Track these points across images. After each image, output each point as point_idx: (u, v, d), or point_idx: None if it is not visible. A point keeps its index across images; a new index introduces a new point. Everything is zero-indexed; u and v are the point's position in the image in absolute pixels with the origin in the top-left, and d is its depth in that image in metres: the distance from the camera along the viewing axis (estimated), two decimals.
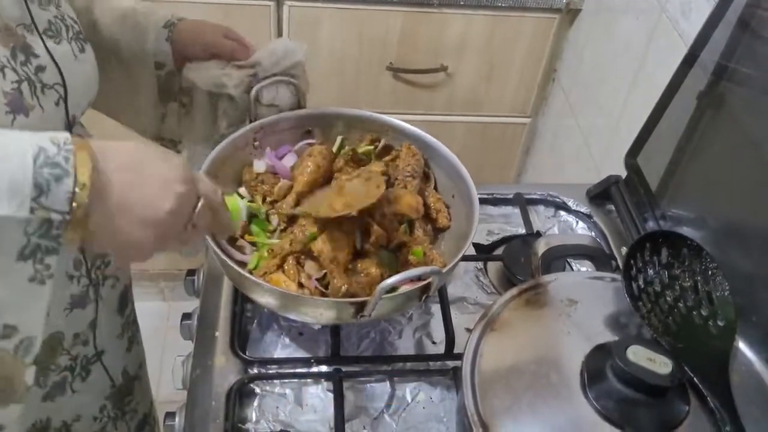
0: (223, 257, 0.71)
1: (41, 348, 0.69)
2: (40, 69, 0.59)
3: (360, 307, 0.68)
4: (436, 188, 0.86)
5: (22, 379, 0.46)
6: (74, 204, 0.44)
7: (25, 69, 0.57)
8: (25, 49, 0.58)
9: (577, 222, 0.99)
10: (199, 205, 0.54)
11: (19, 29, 0.58)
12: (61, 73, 0.62)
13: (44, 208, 0.43)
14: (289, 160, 0.84)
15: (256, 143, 0.85)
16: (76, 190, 0.44)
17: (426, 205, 0.82)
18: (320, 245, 0.72)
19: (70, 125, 0.65)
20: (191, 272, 0.89)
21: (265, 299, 0.71)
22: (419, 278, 0.70)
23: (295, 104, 0.87)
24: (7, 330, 0.44)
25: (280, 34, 1.34)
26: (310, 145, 0.86)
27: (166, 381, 1.57)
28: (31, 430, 0.73)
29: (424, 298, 0.72)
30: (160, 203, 0.50)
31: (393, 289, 0.67)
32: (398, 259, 0.77)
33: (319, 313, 0.70)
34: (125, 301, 0.84)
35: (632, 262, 0.68)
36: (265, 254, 0.75)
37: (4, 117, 0.54)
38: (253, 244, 0.78)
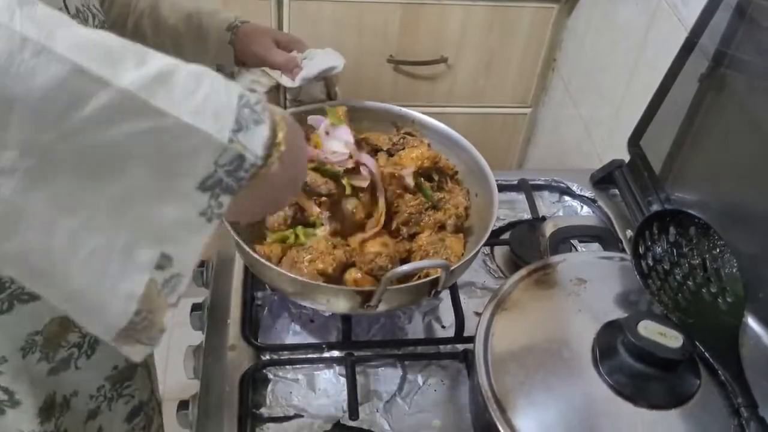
0: (243, 245, 0.71)
1: (54, 324, 0.70)
2: None
3: (367, 296, 0.69)
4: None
5: (161, 319, 0.43)
6: (268, 153, 0.43)
7: None
8: None
9: (582, 206, 1.00)
10: None
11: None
12: None
13: (241, 144, 0.41)
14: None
15: None
16: (272, 142, 0.43)
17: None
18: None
19: None
20: (201, 263, 0.90)
21: (281, 285, 0.72)
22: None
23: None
24: (163, 260, 0.42)
25: (280, 27, 1.35)
26: None
27: (171, 377, 1.59)
28: (43, 406, 0.74)
29: (433, 292, 0.73)
30: (305, 171, 0.53)
31: (402, 280, 0.68)
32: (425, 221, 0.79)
33: (326, 300, 0.71)
34: None
35: (641, 240, 0.69)
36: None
37: None
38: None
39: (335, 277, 0.73)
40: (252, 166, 0.42)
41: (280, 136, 0.44)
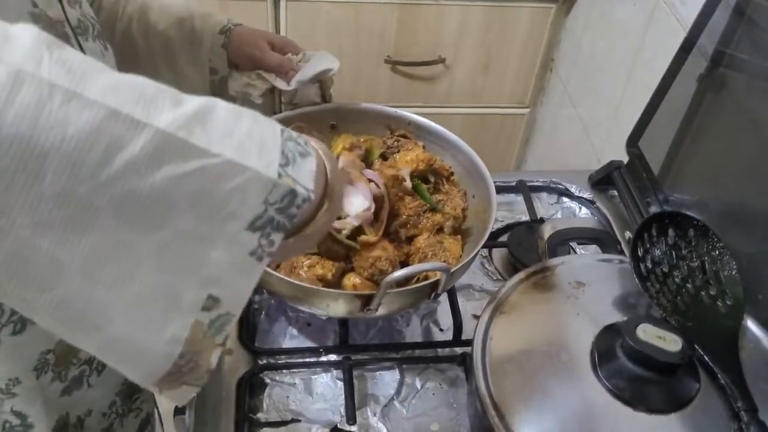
0: None
1: (65, 342, 0.69)
2: None
3: (366, 300, 0.68)
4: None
5: (208, 359, 0.42)
6: (315, 189, 0.41)
7: None
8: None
9: (580, 208, 1.00)
10: None
11: (58, 25, 0.58)
12: None
13: (291, 178, 0.39)
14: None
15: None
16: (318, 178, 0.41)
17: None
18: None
19: None
20: None
21: (277, 290, 0.71)
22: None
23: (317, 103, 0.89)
24: (210, 302, 0.40)
25: (277, 28, 1.34)
26: None
27: None
28: (56, 426, 0.73)
29: (433, 295, 0.72)
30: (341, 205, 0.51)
31: (401, 284, 0.68)
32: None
33: (326, 305, 0.71)
34: None
35: (639, 243, 0.69)
36: None
37: None
38: None
39: (334, 283, 0.73)
40: (304, 201, 0.40)
41: (329, 168, 0.43)
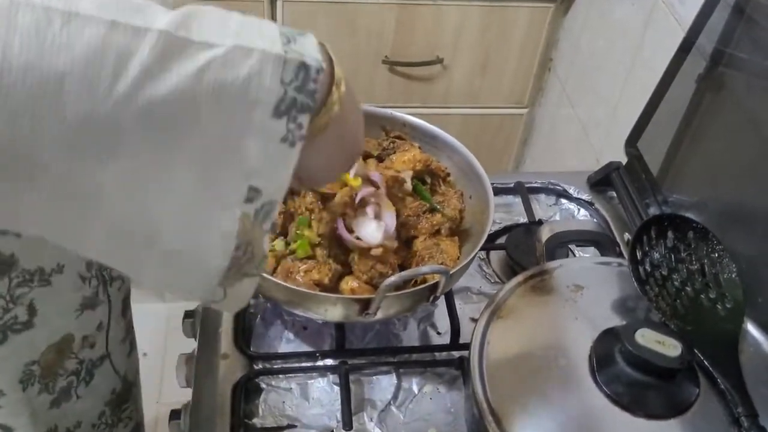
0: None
1: (50, 353, 0.69)
2: None
3: (365, 305, 0.68)
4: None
5: (261, 246, 0.43)
6: (324, 62, 0.41)
7: None
8: None
9: (579, 209, 0.99)
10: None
11: None
12: None
13: (297, 52, 0.39)
14: None
15: None
16: (324, 67, 0.41)
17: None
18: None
19: None
20: None
21: (273, 295, 0.71)
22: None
23: None
24: (251, 193, 0.41)
25: None
26: None
27: (167, 383, 1.58)
28: None
29: (432, 298, 0.72)
30: (362, 122, 0.52)
31: (399, 287, 0.67)
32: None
33: (323, 310, 0.70)
34: (127, 304, 0.84)
35: (638, 246, 0.68)
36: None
37: None
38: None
39: (331, 287, 0.72)
40: (318, 72, 0.40)
41: (338, 71, 0.43)
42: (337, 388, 0.74)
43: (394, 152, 0.83)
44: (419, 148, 0.84)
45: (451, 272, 0.68)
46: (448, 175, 0.83)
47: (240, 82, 0.37)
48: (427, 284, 0.70)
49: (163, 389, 1.60)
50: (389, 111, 0.86)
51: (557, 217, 0.98)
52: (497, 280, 0.89)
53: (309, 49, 0.40)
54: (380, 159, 0.84)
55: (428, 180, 0.83)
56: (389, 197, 0.76)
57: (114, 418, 0.85)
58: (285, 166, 0.41)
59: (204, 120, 0.37)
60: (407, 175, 0.78)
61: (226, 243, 0.41)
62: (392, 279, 0.65)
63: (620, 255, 0.85)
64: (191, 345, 0.81)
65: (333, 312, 0.70)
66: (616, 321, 0.64)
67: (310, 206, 0.75)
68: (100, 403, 0.81)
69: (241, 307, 0.46)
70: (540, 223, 0.93)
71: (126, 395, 0.87)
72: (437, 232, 0.79)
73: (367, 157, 0.85)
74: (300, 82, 0.39)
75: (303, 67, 0.39)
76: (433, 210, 0.78)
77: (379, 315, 0.69)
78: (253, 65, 0.38)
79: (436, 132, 0.85)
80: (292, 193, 0.78)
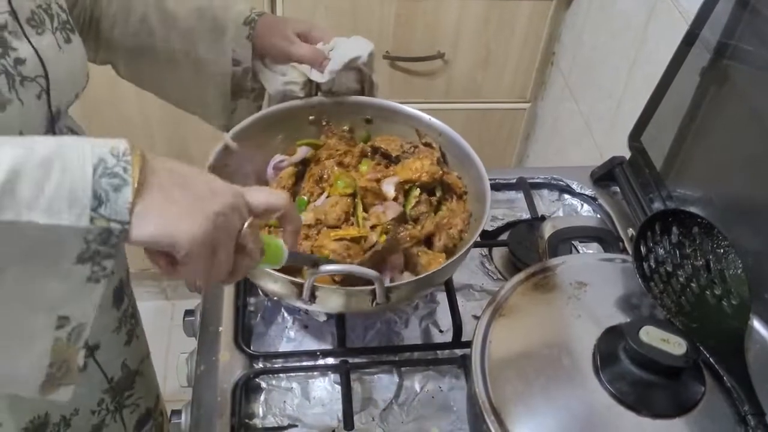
0: None
1: None
2: (19, 61, 0.58)
3: (300, 288, 0.67)
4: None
5: (75, 361, 0.48)
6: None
7: (1, 62, 0.56)
8: (2, 42, 0.57)
9: (582, 205, 0.98)
10: (247, 223, 0.50)
11: None
12: (43, 65, 0.60)
13: (104, 218, 0.43)
14: None
15: (311, 117, 0.87)
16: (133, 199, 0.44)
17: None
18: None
19: (53, 118, 0.63)
20: None
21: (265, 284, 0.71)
22: None
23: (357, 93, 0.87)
24: (61, 321, 0.46)
25: None
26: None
27: (171, 379, 1.57)
28: (30, 426, 0.72)
29: (374, 303, 0.68)
30: (208, 202, 0.47)
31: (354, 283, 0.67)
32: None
33: (263, 283, 0.71)
34: (120, 295, 0.83)
35: (642, 242, 0.67)
36: None
37: None
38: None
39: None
40: (122, 232, 0.43)
41: (136, 177, 0.44)
42: (338, 387, 0.73)
43: (409, 157, 0.83)
44: (439, 159, 0.83)
45: (390, 283, 0.68)
46: (465, 193, 0.83)
47: (43, 249, 0.42)
48: (369, 287, 0.67)
49: (167, 386, 1.60)
50: (428, 117, 0.85)
51: (560, 213, 0.97)
52: (500, 277, 0.88)
53: (119, 212, 0.43)
54: (397, 160, 0.84)
55: (437, 192, 0.82)
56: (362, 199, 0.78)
57: (116, 405, 0.85)
58: (91, 297, 0.46)
59: (9, 276, 0.42)
60: (391, 181, 0.78)
61: (41, 361, 0.46)
62: (326, 267, 0.64)
63: (624, 251, 0.84)
64: (193, 344, 0.81)
65: (274, 289, 0.71)
66: (620, 318, 0.63)
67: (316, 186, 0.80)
68: (97, 390, 0.81)
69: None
70: (543, 219, 0.92)
71: (128, 383, 0.87)
72: (430, 247, 0.78)
73: (385, 156, 0.86)
74: (102, 239, 0.43)
75: (106, 231, 0.43)
76: (409, 220, 0.79)
77: (317, 307, 0.70)
78: (56, 238, 0.42)
79: (467, 151, 0.82)
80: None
